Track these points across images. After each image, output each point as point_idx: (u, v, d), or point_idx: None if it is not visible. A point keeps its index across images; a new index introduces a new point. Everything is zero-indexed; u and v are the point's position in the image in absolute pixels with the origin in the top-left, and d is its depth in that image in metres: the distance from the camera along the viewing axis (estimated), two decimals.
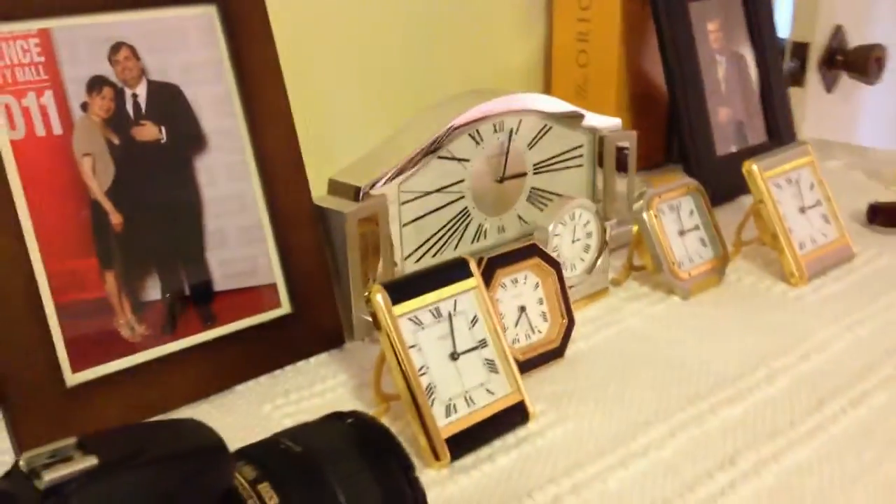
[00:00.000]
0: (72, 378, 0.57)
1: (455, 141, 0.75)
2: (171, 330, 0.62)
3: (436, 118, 0.76)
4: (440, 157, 0.75)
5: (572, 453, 0.57)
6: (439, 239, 0.77)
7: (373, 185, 0.70)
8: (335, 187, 0.72)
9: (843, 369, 0.66)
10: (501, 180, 0.80)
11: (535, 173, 0.83)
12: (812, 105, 1.51)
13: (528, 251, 0.68)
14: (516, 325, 0.67)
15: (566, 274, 0.76)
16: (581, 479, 0.54)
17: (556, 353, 0.68)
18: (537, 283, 0.68)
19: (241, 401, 0.64)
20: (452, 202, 0.77)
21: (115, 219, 0.60)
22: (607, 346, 0.71)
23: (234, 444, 0.40)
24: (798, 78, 1.48)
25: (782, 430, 0.58)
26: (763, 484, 0.53)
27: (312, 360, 0.69)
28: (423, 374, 0.56)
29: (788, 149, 0.84)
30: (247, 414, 0.62)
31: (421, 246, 0.76)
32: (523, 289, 0.68)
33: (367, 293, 0.55)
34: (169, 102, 0.63)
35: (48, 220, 0.57)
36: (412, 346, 0.56)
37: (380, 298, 0.55)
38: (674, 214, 0.80)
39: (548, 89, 1.14)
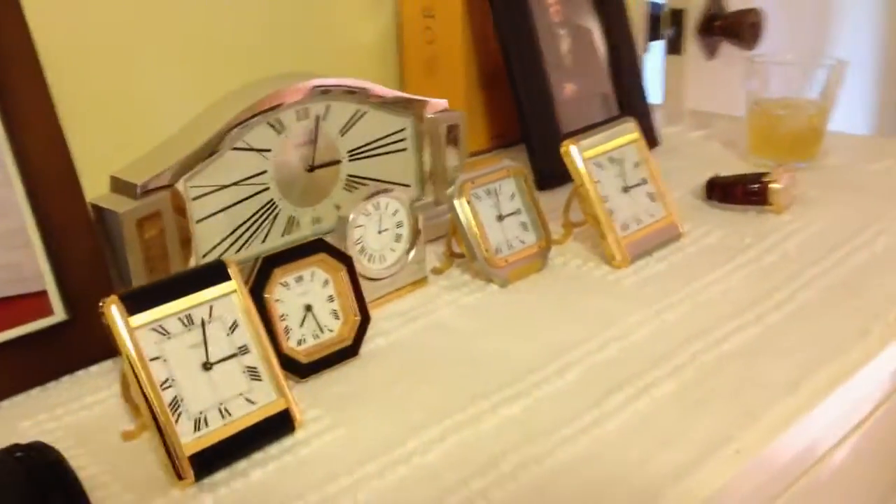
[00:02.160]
0: None
1: (252, 130, 0.72)
2: None
3: (229, 107, 0.72)
4: (235, 149, 0.71)
5: (333, 464, 0.54)
6: (242, 234, 0.73)
7: (152, 182, 0.67)
8: (117, 185, 0.68)
9: (638, 358, 0.64)
10: (311, 169, 0.77)
11: (350, 160, 0.79)
12: (693, 73, 1.49)
13: (313, 247, 0.65)
14: (302, 324, 0.64)
15: (374, 266, 0.73)
16: (331, 492, 0.51)
17: (349, 353, 0.65)
18: (327, 280, 0.65)
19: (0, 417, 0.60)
20: (255, 195, 0.73)
21: None
22: (409, 341, 0.68)
23: None
24: (676, 45, 1.47)
25: (556, 428, 0.56)
26: (519, 486, 0.51)
27: (94, 368, 0.65)
28: (168, 387, 0.53)
29: (612, 126, 0.81)
30: (1, 432, 0.58)
31: (221, 243, 0.72)
32: (310, 286, 0.64)
33: (100, 305, 0.52)
34: None
35: None
36: (155, 359, 0.53)
37: (114, 310, 0.52)
38: (492, 199, 0.77)
39: (401, 67, 1.11)
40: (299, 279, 0.64)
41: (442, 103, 0.84)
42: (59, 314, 0.64)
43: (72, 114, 0.83)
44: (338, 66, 1.05)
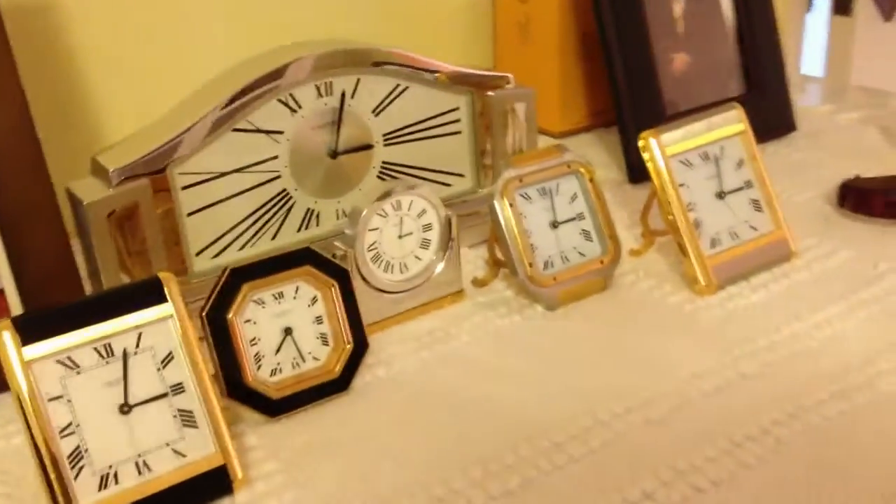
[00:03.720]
0: None
1: (259, 109, 0.61)
2: None
3: (233, 81, 0.62)
4: (237, 130, 0.61)
5: None
6: (248, 229, 0.63)
7: (131, 168, 0.57)
8: (97, 168, 0.59)
9: (691, 426, 0.49)
10: (334, 155, 0.65)
11: (386, 145, 0.67)
12: (866, 39, 1.26)
13: (298, 257, 0.53)
14: (278, 351, 0.53)
15: (391, 277, 0.61)
16: None
17: (335, 387, 0.54)
18: (315, 298, 0.54)
19: None
20: (262, 184, 0.63)
21: None
22: (414, 375, 0.56)
23: None
24: (844, 4, 1.24)
25: None
26: None
27: None
28: (69, 434, 0.44)
29: (711, 115, 0.65)
30: None
31: (219, 240, 0.62)
32: (293, 305, 0.53)
33: None
34: None
35: None
36: (57, 398, 0.43)
37: (6, 338, 0.43)
38: (545, 201, 0.63)
39: (494, 29, 0.97)
40: (279, 295, 0.53)
41: (505, 77, 0.71)
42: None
43: (88, 65, 0.76)
44: (419, 32, 0.93)
